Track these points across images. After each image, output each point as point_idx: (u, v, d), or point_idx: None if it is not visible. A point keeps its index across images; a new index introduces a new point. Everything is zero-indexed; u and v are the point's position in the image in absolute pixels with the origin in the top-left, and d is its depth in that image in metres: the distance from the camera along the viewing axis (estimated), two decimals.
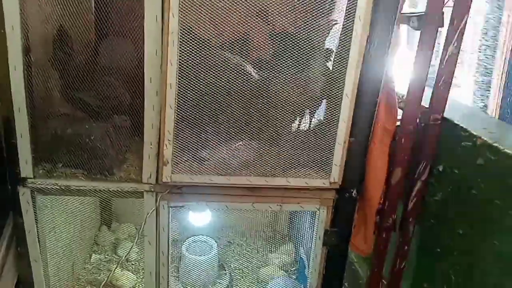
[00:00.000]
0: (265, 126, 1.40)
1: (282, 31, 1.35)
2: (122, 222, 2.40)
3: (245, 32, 1.39)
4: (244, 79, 1.36)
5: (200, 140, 1.36)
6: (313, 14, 1.28)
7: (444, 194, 1.35)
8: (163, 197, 1.37)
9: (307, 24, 1.30)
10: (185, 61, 1.24)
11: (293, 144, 1.41)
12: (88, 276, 2.07)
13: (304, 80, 1.39)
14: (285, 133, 1.41)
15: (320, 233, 1.50)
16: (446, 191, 1.34)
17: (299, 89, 1.39)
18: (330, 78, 1.36)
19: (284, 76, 1.36)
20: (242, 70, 1.38)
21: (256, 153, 1.41)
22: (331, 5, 1.29)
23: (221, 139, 1.38)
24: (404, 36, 1.30)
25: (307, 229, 1.64)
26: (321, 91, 1.42)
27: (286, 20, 1.33)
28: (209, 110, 1.35)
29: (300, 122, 1.46)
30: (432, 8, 1.27)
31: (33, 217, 1.39)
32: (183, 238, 2.21)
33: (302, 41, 1.31)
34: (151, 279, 1.48)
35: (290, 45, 1.32)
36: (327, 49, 1.40)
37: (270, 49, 1.42)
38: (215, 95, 1.34)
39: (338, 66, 1.32)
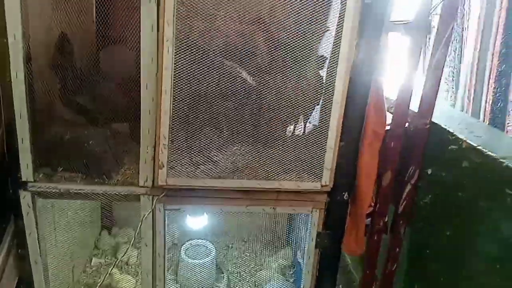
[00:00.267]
0: (259, 131, 1.44)
1: (277, 38, 1.40)
2: (123, 227, 2.44)
3: (240, 39, 1.44)
4: (239, 84, 1.40)
5: (195, 145, 1.40)
6: (308, 23, 1.33)
7: (433, 196, 1.39)
8: (159, 200, 1.41)
9: (302, 32, 1.34)
10: (179, 68, 1.29)
11: (285, 148, 1.45)
12: (88, 280, 2.11)
13: (297, 86, 1.43)
14: (278, 137, 1.44)
15: (313, 235, 1.53)
16: (434, 193, 1.38)
17: (292, 95, 1.43)
18: (321, 84, 1.40)
19: (278, 82, 1.40)
20: (237, 76, 1.42)
21: (250, 157, 1.45)
22: (325, 14, 1.33)
23: (215, 143, 1.42)
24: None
25: (304, 233, 1.67)
26: (313, 97, 1.46)
27: (282, 27, 1.38)
28: (204, 115, 1.39)
29: (292, 127, 1.50)
30: (419, 16, 1.31)
31: (34, 220, 1.43)
32: (182, 241, 2.24)
33: (296, 48, 1.36)
34: (147, 280, 1.51)
35: (284, 52, 1.37)
36: (320, 56, 1.44)
37: (265, 56, 1.46)
38: (209, 100, 1.38)
39: (328, 73, 1.37)
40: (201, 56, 1.33)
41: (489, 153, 1.13)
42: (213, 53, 1.39)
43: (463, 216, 1.23)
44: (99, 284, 1.75)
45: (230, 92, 1.40)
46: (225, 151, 1.45)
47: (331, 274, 1.59)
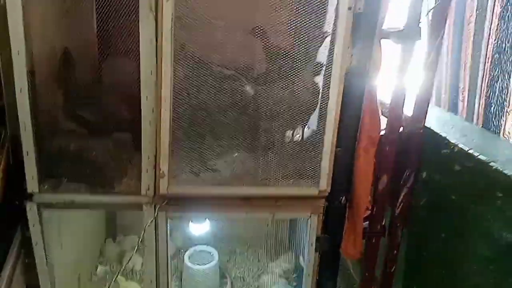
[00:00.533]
0: (257, 138, 1.48)
1: (276, 47, 1.44)
2: (127, 234, 2.48)
3: (239, 48, 1.48)
4: (237, 93, 1.45)
5: (195, 153, 1.44)
6: (304, 30, 1.37)
7: (428, 199, 1.42)
8: (161, 208, 1.45)
9: (299, 40, 1.38)
10: (178, 79, 1.33)
11: (283, 155, 1.48)
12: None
13: (295, 93, 1.47)
14: (275, 144, 1.48)
15: (312, 239, 1.56)
16: (430, 197, 1.41)
17: (289, 102, 1.47)
18: (318, 91, 1.44)
19: (276, 89, 1.44)
20: (235, 85, 1.47)
21: (249, 164, 1.48)
22: (321, 21, 1.37)
23: (215, 151, 1.46)
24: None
25: (305, 237, 1.70)
26: (311, 103, 1.49)
27: (279, 36, 1.42)
28: (203, 124, 1.43)
29: (290, 133, 1.54)
30: (410, 22, 1.34)
31: (40, 230, 1.47)
32: (186, 247, 2.28)
33: (294, 56, 1.40)
34: (151, 287, 1.55)
35: (282, 60, 1.41)
36: (317, 63, 1.48)
37: (263, 64, 1.50)
38: (208, 109, 1.42)
39: (324, 80, 1.40)
40: (199, 66, 1.37)
41: (480, 156, 1.16)
42: (212, 63, 1.44)
43: (457, 218, 1.26)
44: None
45: (229, 101, 1.44)
46: (225, 159, 1.49)
47: (331, 277, 1.62)
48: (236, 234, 2.51)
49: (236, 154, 1.51)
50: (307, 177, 1.48)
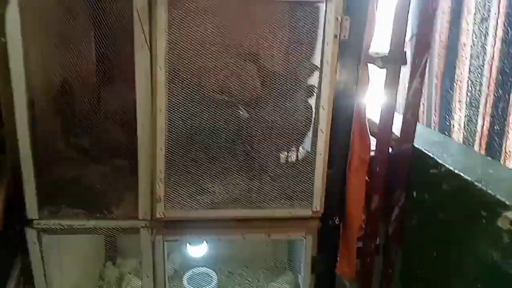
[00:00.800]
0: (251, 161, 1.52)
1: (269, 72, 1.49)
2: (126, 257, 2.49)
3: (231, 74, 1.53)
4: (231, 117, 1.49)
5: (191, 177, 1.48)
6: (296, 58, 1.42)
7: (419, 218, 1.44)
8: (158, 232, 1.48)
9: (290, 65, 1.44)
10: (173, 107, 1.38)
11: (277, 177, 1.52)
12: None
13: (287, 116, 1.51)
14: (268, 167, 1.52)
15: (308, 259, 1.59)
16: (420, 215, 1.44)
17: (282, 125, 1.51)
18: (310, 113, 1.49)
19: (270, 114, 1.48)
20: (229, 109, 1.51)
21: (243, 187, 1.52)
22: (311, 49, 1.43)
23: (210, 175, 1.50)
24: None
25: (302, 257, 1.72)
26: (303, 125, 1.54)
27: (271, 61, 1.47)
28: (198, 149, 1.47)
29: (282, 156, 1.58)
30: (394, 48, 1.40)
31: (40, 256, 1.50)
32: (184, 269, 2.29)
33: (286, 80, 1.45)
34: None
35: (274, 84, 1.46)
36: (308, 87, 1.53)
37: (257, 88, 1.55)
38: (203, 135, 1.46)
39: (314, 104, 1.45)
40: (193, 93, 1.42)
41: (465, 176, 1.19)
42: (205, 89, 1.49)
43: (446, 237, 1.29)
44: None
45: (223, 125, 1.49)
46: (220, 182, 1.53)
47: None
48: (235, 255, 2.51)
49: (231, 177, 1.55)
50: (301, 199, 1.51)
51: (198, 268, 2.26)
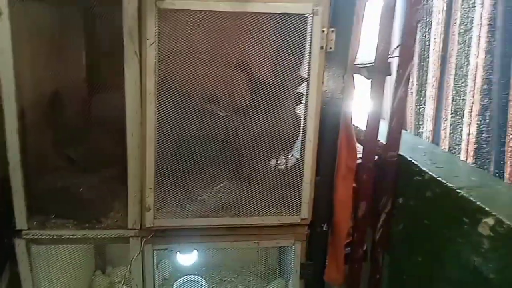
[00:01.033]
0: (240, 169, 1.53)
1: (259, 80, 1.51)
2: (116, 266, 2.48)
3: (221, 83, 1.55)
4: (220, 126, 1.51)
5: (180, 186, 1.49)
6: (284, 68, 1.45)
7: (405, 224, 1.48)
8: (147, 241, 1.49)
9: (279, 73, 1.47)
10: (162, 117, 1.40)
11: (265, 185, 1.54)
12: None
13: (276, 124, 1.54)
14: (257, 175, 1.54)
15: (297, 266, 1.61)
16: (406, 221, 1.47)
17: (270, 133, 1.54)
18: (298, 121, 1.52)
19: (257, 121, 1.51)
20: (218, 118, 1.53)
21: (233, 195, 1.54)
22: (299, 59, 1.46)
23: (199, 184, 1.52)
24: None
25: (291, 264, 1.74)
26: (292, 133, 1.57)
27: (260, 70, 1.50)
28: (187, 158, 1.49)
29: (271, 164, 1.60)
30: (379, 59, 1.44)
31: (29, 266, 1.49)
32: (175, 277, 2.29)
33: (274, 88, 1.47)
34: None
35: (263, 92, 1.48)
36: (297, 96, 1.56)
37: (245, 97, 1.58)
38: (192, 143, 1.48)
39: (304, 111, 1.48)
40: (182, 103, 1.44)
41: (448, 183, 1.23)
42: (194, 98, 1.51)
43: (430, 242, 1.32)
44: None
45: (211, 134, 1.51)
46: (209, 191, 1.54)
47: None
48: (225, 262, 2.52)
49: (220, 185, 1.56)
50: (289, 206, 1.53)
51: (189, 276, 2.26)
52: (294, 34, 1.37)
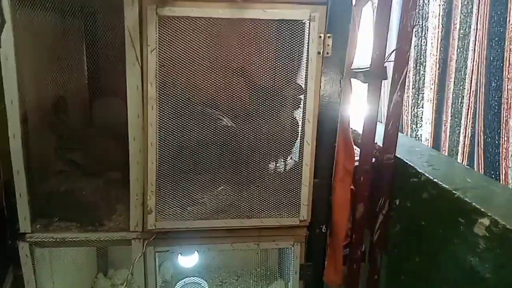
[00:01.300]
0: (240, 172, 1.56)
1: (257, 85, 1.54)
2: (118, 268, 2.50)
3: (221, 88, 1.58)
4: (220, 130, 1.54)
5: (181, 189, 1.52)
6: (283, 71, 1.48)
7: (402, 226, 1.50)
8: (149, 243, 1.51)
9: (278, 79, 1.49)
10: (163, 121, 1.42)
11: (265, 187, 1.57)
12: None
13: (275, 128, 1.56)
14: (257, 177, 1.56)
15: (296, 267, 1.63)
16: (403, 223, 1.49)
17: (270, 137, 1.57)
18: (296, 124, 1.54)
19: (257, 125, 1.53)
20: (218, 122, 1.56)
21: (233, 197, 1.56)
22: (297, 64, 1.49)
23: (199, 187, 1.54)
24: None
25: (290, 265, 1.77)
26: (290, 137, 1.59)
27: (261, 75, 1.52)
28: (188, 161, 1.51)
29: (270, 167, 1.63)
30: (375, 64, 1.47)
31: (32, 269, 1.52)
32: (176, 279, 2.31)
33: (273, 93, 1.50)
34: None
35: (262, 96, 1.51)
36: (294, 101, 1.58)
37: (245, 102, 1.60)
38: (193, 147, 1.51)
39: (300, 117, 1.51)
40: (183, 108, 1.47)
41: (444, 185, 1.26)
42: (195, 103, 1.53)
43: (427, 243, 1.34)
44: None
45: (212, 138, 1.53)
46: (210, 193, 1.57)
47: None
48: (226, 264, 2.55)
49: (220, 188, 1.59)
50: (288, 208, 1.56)
51: (190, 278, 2.28)
52: (292, 40, 1.40)
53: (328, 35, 1.39)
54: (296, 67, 1.50)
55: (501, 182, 1.40)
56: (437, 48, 1.76)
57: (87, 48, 1.71)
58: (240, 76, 1.55)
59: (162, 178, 1.48)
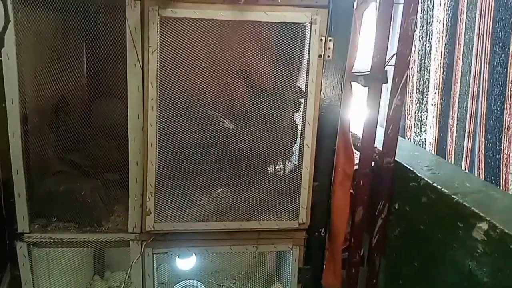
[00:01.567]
0: (239, 175, 1.56)
1: (258, 87, 1.54)
2: (115, 270, 2.49)
3: (221, 91, 1.58)
4: (220, 132, 1.54)
5: (180, 191, 1.52)
6: (284, 74, 1.48)
7: (401, 230, 1.50)
8: (148, 245, 1.51)
9: (279, 82, 1.50)
10: (163, 123, 1.42)
11: (264, 190, 1.57)
12: None
13: (274, 131, 1.56)
14: (256, 180, 1.56)
15: (295, 271, 1.63)
16: (402, 227, 1.49)
17: (269, 140, 1.57)
18: (296, 128, 1.54)
19: (257, 128, 1.54)
20: (218, 124, 1.56)
21: (232, 199, 1.56)
22: (298, 67, 1.49)
23: (199, 189, 1.54)
24: None
25: (289, 269, 1.76)
26: (290, 140, 1.59)
27: (262, 77, 1.53)
28: (188, 163, 1.51)
29: (270, 170, 1.63)
30: (376, 67, 1.47)
31: (29, 269, 1.51)
32: (173, 282, 2.30)
33: (273, 96, 1.50)
34: None
35: (262, 99, 1.51)
36: (295, 104, 1.58)
37: (246, 104, 1.60)
38: (192, 149, 1.51)
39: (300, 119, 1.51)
40: (183, 109, 1.47)
41: (443, 189, 1.26)
42: (195, 105, 1.53)
43: (426, 247, 1.34)
44: None
45: (212, 140, 1.54)
46: (209, 195, 1.57)
47: None
48: (224, 267, 2.53)
49: (219, 190, 1.59)
50: (287, 211, 1.55)
51: (187, 281, 2.27)
52: (293, 43, 1.41)
53: (329, 38, 1.39)
54: (297, 70, 1.51)
55: (501, 188, 1.41)
56: (441, 53, 1.77)
57: (87, 49, 1.71)
58: (241, 78, 1.56)
59: (162, 179, 1.47)
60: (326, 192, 1.56)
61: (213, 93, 1.56)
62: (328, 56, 1.41)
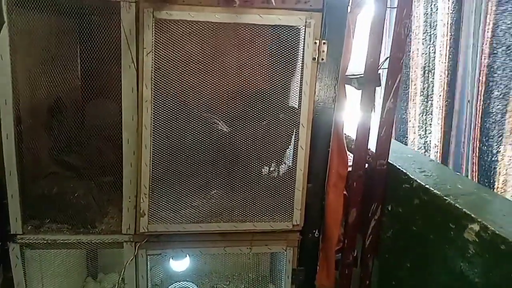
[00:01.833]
0: (233, 177, 1.56)
1: (252, 90, 1.55)
2: (108, 272, 2.48)
3: (216, 91, 1.59)
4: (214, 134, 1.54)
5: (174, 192, 1.52)
6: (278, 76, 1.49)
7: (393, 231, 1.51)
8: (141, 246, 1.51)
9: (273, 84, 1.50)
10: (158, 124, 1.43)
11: (258, 192, 1.57)
12: None
13: (268, 133, 1.57)
14: (250, 182, 1.57)
15: (288, 272, 1.63)
16: (395, 228, 1.51)
17: (263, 142, 1.57)
18: (289, 132, 1.55)
19: (251, 130, 1.54)
20: (212, 126, 1.57)
21: (226, 201, 1.56)
22: (292, 69, 1.50)
23: (193, 190, 1.54)
24: None
25: (283, 270, 1.77)
26: (284, 142, 1.60)
27: (256, 80, 1.53)
28: (182, 165, 1.52)
29: (264, 171, 1.63)
30: (369, 70, 1.49)
31: (22, 271, 1.50)
32: (167, 284, 2.30)
33: (267, 98, 1.51)
34: None
35: (256, 102, 1.52)
36: (289, 106, 1.59)
37: (240, 106, 1.61)
38: (186, 150, 1.51)
39: (294, 121, 1.52)
40: (178, 111, 1.47)
41: (435, 191, 1.27)
42: (190, 106, 1.54)
43: (418, 248, 1.36)
44: None
45: (206, 141, 1.54)
46: (203, 196, 1.57)
47: None
48: (217, 269, 2.53)
49: (213, 191, 1.59)
50: (281, 212, 1.56)
51: (181, 283, 2.27)
52: (288, 46, 1.42)
53: (324, 41, 1.40)
54: (291, 73, 1.52)
55: (495, 190, 1.42)
56: (445, 56, 1.79)
57: (82, 50, 1.71)
58: (235, 80, 1.56)
59: (156, 181, 1.47)
60: (320, 193, 1.57)
61: (208, 95, 1.57)
62: (322, 59, 1.42)
